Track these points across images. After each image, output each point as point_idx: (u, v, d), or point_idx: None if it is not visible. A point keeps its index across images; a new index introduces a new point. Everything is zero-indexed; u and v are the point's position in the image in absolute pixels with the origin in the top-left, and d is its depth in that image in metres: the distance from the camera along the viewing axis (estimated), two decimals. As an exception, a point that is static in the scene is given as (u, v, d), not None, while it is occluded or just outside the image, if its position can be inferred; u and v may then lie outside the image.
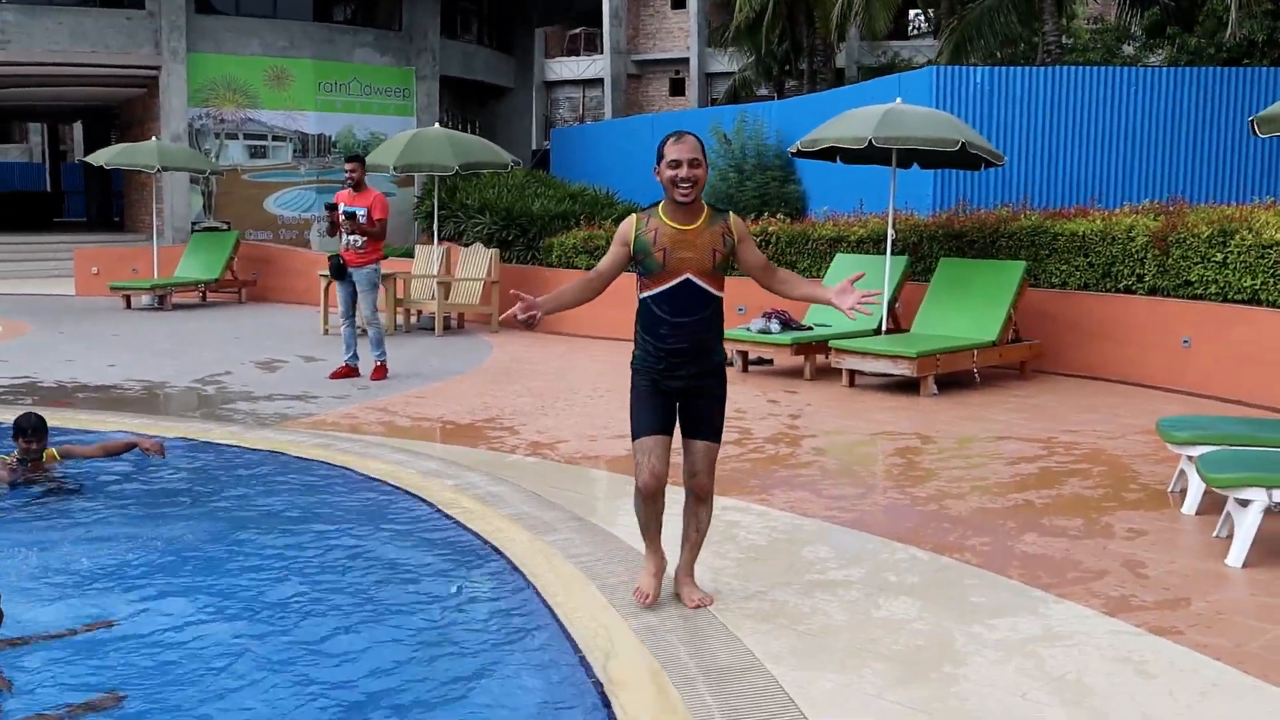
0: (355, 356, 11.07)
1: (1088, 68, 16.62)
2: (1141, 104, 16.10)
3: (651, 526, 4.88)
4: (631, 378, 4.83)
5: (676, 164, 4.58)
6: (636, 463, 4.74)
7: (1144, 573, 5.33)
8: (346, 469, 7.31)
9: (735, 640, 4.49)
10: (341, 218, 10.79)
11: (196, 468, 7.35)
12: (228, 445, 7.98)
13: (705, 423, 4.78)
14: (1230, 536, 5.65)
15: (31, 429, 6.81)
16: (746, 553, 5.65)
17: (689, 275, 4.63)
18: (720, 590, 5.05)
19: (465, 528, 6.06)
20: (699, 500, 4.86)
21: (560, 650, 4.44)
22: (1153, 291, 10.70)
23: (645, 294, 4.71)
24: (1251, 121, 7.23)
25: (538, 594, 5.05)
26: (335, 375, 11.01)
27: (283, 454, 7.70)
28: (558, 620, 4.73)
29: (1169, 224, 10.61)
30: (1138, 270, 10.80)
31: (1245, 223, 10.10)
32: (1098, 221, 11.33)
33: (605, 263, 4.76)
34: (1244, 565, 5.39)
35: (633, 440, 4.78)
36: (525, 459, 7.72)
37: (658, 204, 4.73)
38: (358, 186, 10.94)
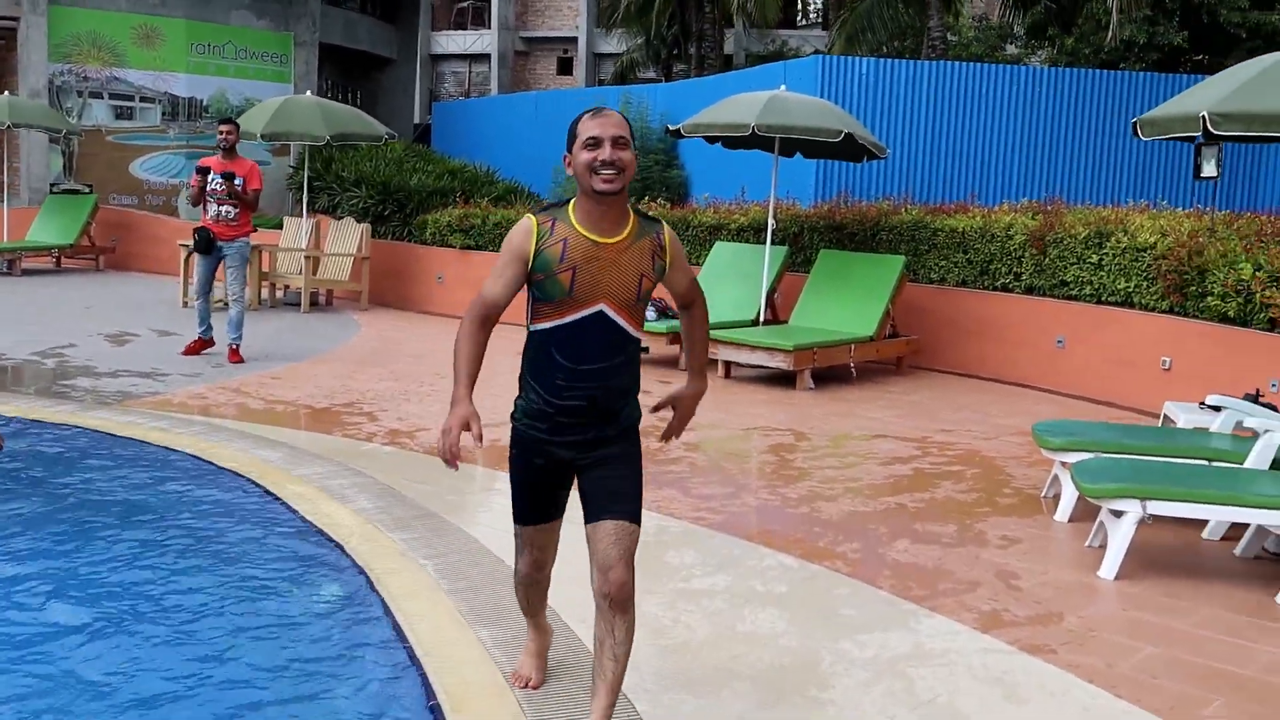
0: (209, 329, 10.47)
1: (972, 64, 16.66)
2: (1023, 102, 16.17)
3: (534, 603, 3.89)
4: (511, 437, 3.59)
5: (595, 143, 3.31)
6: (516, 550, 3.73)
7: (1017, 584, 5.16)
8: (184, 454, 6.83)
9: (589, 656, 4.18)
10: (215, 184, 10.07)
11: (14, 450, 6.78)
12: (56, 424, 7.42)
13: (617, 497, 3.43)
14: (1103, 546, 5.53)
15: None
16: (608, 556, 5.35)
17: (603, 306, 3.37)
18: (577, 599, 4.74)
19: (308, 522, 5.66)
20: (617, 609, 3.36)
21: (397, 659, 4.09)
22: (1029, 291, 10.68)
23: (539, 326, 3.42)
24: (1134, 123, 7.14)
25: (380, 598, 4.69)
26: (188, 351, 10.44)
27: (114, 435, 7.18)
28: (398, 627, 4.37)
29: (1047, 224, 10.59)
30: (1015, 269, 10.77)
31: (1120, 225, 10.11)
32: (977, 218, 11.28)
33: (497, 290, 3.41)
34: (1116, 577, 5.26)
35: (514, 523, 3.69)
36: (382, 448, 7.32)
37: (565, 203, 3.44)
38: (230, 152, 10.22)
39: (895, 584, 5.10)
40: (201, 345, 10.44)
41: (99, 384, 8.99)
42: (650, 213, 3.41)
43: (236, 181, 10.06)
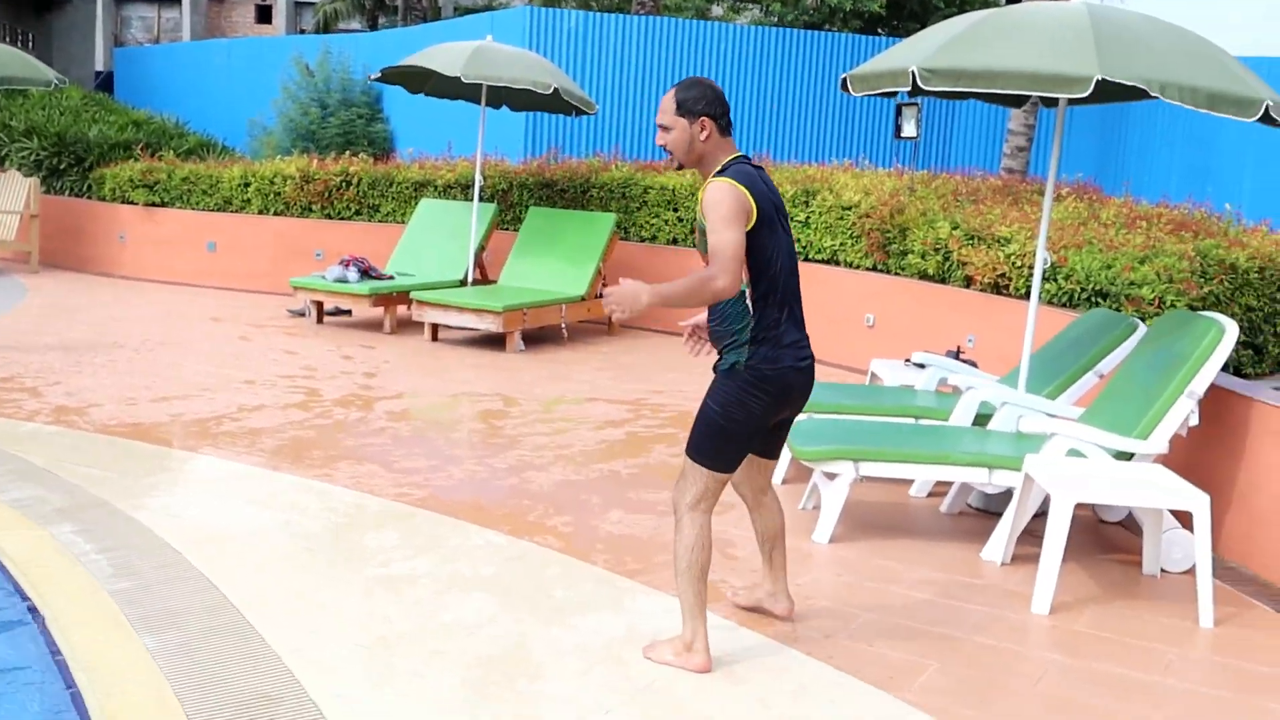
0: None
1: (682, 20, 16.63)
2: (732, 60, 16.28)
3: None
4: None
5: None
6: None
7: (733, 553, 5.00)
8: None
9: (274, 659, 3.74)
10: None
11: None
12: None
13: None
14: (817, 508, 5.46)
15: None
16: (297, 543, 4.87)
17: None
18: (262, 597, 4.27)
19: (-52, 519, 4.94)
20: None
21: (51, 681, 3.53)
22: (739, 249, 10.67)
23: None
24: (844, 79, 7.09)
25: (30, 607, 4.08)
26: None
27: None
28: (50, 640, 3.80)
29: (755, 181, 10.60)
30: (725, 227, 10.73)
31: (826, 183, 10.21)
32: (687, 175, 11.20)
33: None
34: (830, 540, 5.19)
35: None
36: (45, 428, 6.54)
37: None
38: None
39: (609, 559, 4.85)
40: None
41: None
42: (730, 163, 3.77)
43: None
